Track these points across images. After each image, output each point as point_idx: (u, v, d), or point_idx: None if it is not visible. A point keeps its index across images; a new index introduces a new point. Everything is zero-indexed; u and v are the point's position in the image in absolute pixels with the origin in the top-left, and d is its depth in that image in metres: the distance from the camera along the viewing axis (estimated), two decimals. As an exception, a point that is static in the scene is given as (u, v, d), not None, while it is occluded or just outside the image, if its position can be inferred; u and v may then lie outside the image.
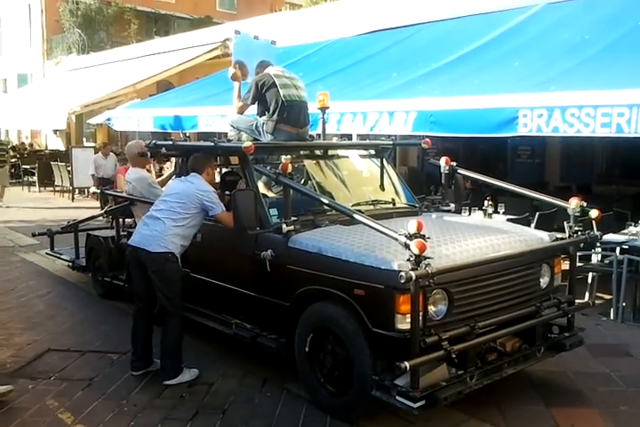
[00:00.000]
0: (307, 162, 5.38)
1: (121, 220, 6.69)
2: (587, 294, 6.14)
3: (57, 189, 17.10)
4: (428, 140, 5.71)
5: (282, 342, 4.36)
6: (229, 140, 5.61)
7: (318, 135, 6.20)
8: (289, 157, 4.54)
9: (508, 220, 6.57)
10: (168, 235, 4.53)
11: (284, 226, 4.26)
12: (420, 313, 3.45)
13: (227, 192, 5.23)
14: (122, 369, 4.79)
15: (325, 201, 4.36)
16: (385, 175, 5.56)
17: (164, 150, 5.54)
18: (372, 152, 5.73)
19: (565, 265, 4.70)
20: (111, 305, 6.51)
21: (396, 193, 5.58)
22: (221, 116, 9.05)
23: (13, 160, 20.76)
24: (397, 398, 3.54)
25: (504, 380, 4.03)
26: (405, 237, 3.42)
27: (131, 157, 6.14)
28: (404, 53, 10.02)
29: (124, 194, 6.36)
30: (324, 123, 6.06)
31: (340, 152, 5.63)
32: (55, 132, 23.11)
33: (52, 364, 4.96)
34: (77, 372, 4.80)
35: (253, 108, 5.60)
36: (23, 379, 4.64)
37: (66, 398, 4.33)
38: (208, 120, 10.02)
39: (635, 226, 6.41)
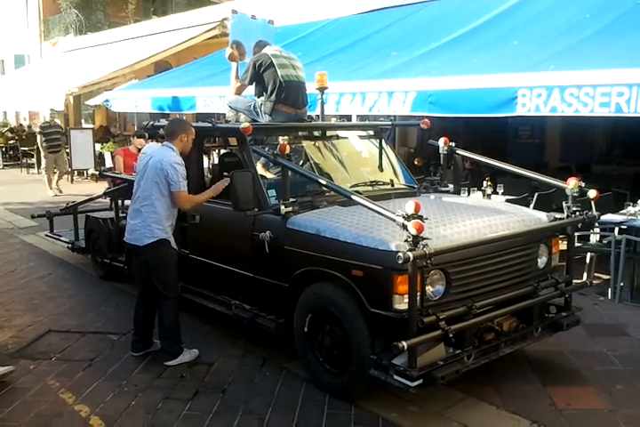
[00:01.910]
0: (305, 143, 5.35)
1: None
2: (585, 274, 6.17)
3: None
4: (427, 120, 5.68)
5: (281, 323, 4.39)
6: (227, 122, 5.59)
7: (317, 116, 6.16)
8: (287, 137, 4.53)
9: (507, 200, 6.57)
10: (152, 223, 4.47)
11: (283, 207, 4.26)
12: (418, 293, 3.46)
13: (225, 173, 5.22)
14: (122, 350, 4.83)
15: (323, 182, 4.35)
16: (383, 156, 5.54)
17: (161, 131, 5.51)
18: (371, 133, 5.71)
19: (563, 245, 4.71)
20: (111, 286, 6.54)
21: (395, 174, 5.56)
22: (220, 96, 9.00)
23: (12, 142, 20.71)
24: (395, 377, 3.57)
25: (501, 359, 4.06)
26: (403, 217, 3.42)
27: None
28: (403, 33, 9.93)
29: (122, 175, 6.37)
30: (322, 103, 6.01)
31: (339, 133, 5.60)
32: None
33: (52, 345, 5.00)
34: (78, 352, 4.84)
35: (251, 89, 5.57)
36: (24, 360, 4.68)
37: (67, 378, 4.37)
38: (206, 101, 9.97)
39: (633, 206, 6.40)
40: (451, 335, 3.60)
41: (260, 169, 5.05)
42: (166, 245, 4.55)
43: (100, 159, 15.81)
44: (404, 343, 3.33)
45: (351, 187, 4.73)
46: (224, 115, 6.00)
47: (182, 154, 4.61)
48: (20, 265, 7.56)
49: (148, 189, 4.49)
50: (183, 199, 4.52)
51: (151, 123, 5.70)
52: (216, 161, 5.96)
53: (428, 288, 3.66)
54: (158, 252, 4.53)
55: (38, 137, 14.02)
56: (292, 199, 4.33)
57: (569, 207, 4.45)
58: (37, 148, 17.83)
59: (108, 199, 6.87)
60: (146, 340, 4.79)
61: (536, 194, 6.91)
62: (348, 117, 8.52)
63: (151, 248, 4.50)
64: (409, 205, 3.43)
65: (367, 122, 7.37)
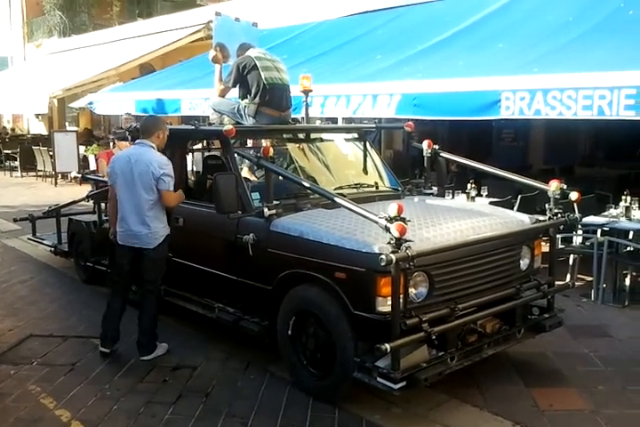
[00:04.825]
0: (289, 145, 5.35)
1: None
2: (568, 276, 6.21)
3: (39, 173, 16.93)
4: (410, 123, 5.69)
5: (264, 326, 4.37)
6: (211, 124, 5.57)
7: (302, 118, 6.16)
8: (270, 140, 4.52)
9: (491, 203, 6.61)
10: (157, 227, 4.60)
11: (266, 210, 4.25)
12: (401, 295, 3.46)
13: (208, 176, 5.21)
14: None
15: (307, 184, 4.34)
16: (368, 159, 5.54)
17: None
18: (356, 135, 5.71)
19: (546, 247, 4.74)
20: (94, 290, 6.48)
21: (379, 176, 5.56)
22: (205, 99, 8.94)
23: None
24: (379, 379, 3.57)
25: (484, 361, 4.08)
26: (386, 220, 3.42)
27: None
28: (388, 36, 9.96)
29: (105, 178, 6.32)
30: (307, 106, 6.01)
31: (323, 135, 5.60)
32: (37, 116, 22.81)
33: (33, 349, 4.94)
34: (59, 357, 4.79)
35: (235, 91, 5.55)
36: (5, 365, 4.63)
37: (48, 383, 4.32)
38: (191, 103, 9.95)
39: (615, 208, 6.45)
40: (434, 337, 3.60)
41: (245, 172, 5.03)
42: (168, 239, 4.71)
43: (84, 162, 15.71)
44: (387, 346, 3.33)
45: (335, 189, 4.73)
46: (209, 117, 5.97)
47: (158, 150, 4.67)
48: (1, 269, 7.48)
49: (146, 195, 4.51)
50: (171, 198, 4.63)
51: (134, 125, 5.67)
52: (200, 164, 5.92)
53: (411, 290, 3.66)
54: (163, 247, 4.67)
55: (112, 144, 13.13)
56: (275, 202, 4.32)
57: (551, 209, 4.48)
58: (20, 151, 17.77)
59: (91, 202, 6.83)
60: (117, 337, 4.81)
61: (519, 196, 6.95)
62: (334, 120, 8.54)
63: (158, 245, 4.62)
64: (392, 208, 3.43)
65: (352, 124, 7.38)
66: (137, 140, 4.71)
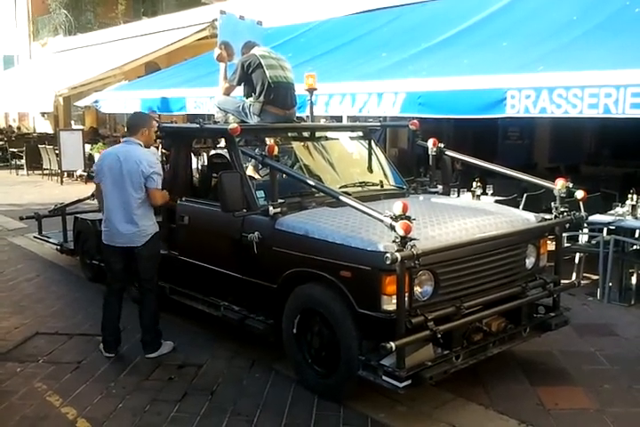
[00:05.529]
0: (294, 144, 5.35)
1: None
2: (574, 275, 6.20)
3: (45, 172, 16.95)
4: (415, 121, 5.68)
5: (270, 324, 4.38)
6: (216, 122, 5.58)
7: (307, 117, 6.16)
8: (275, 138, 4.52)
9: (496, 201, 6.59)
10: (145, 225, 4.59)
11: (271, 208, 4.25)
12: (406, 294, 3.47)
13: (214, 174, 5.22)
14: (110, 352, 4.79)
15: (311, 183, 4.34)
16: (373, 157, 5.54)
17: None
18: (360, 134, 5.71)
19: (552, 246, 4.73)
20: (99, 288, 6.42)
21: (384, 175, 5.56)
22: (210, 97, 8.96)
23: (1, 143, 20.59)
24: (384, 377, 3.57)
25: (490, 359, 4.08)
26: (391, 218, 3.42)
27: None
28: (393, 34, 9.95)
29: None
30: (311, 104, 6.01)
31: (328, 134, 5.60)
32: (43, 114, 22.87)
33: (40, 347, 4.96)
34: (66, 355, 4.80)
35: (240, 90, 5.55)
36: (11, 362, 4.65)
37: (54, 380, 4.34)
38: (196, 102, 9.95)
39: (621, 206, 6.43)
40: (439, 336, 3.60)
41: (251, 170, 5.04)
42: (158, 236, 4.71)
43: (89, 160, 15.72)
44: (393, 344, 3.33)
45: (340, 188, 4.73)
46: (214, 116, 5.98)
47: (146, 147, 4.69)
48: (7, 267, 7.50)
49: (135, 194, 4.51)
50: (159, 196, 4.64)
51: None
52: (205, 162, 5.93)
53: (417, 289, 3.66)
54: (153, 244, 4.67)
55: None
56: (280, 200, 4.32)
57: (557, 208, 4.47)
58: (26, 149, 17.82)
59: (96, 201, 6.83)
60: (119, 339, 4.82)
61: (525, 195, 6.93)
62: (339, 118, 8.54)
63: (147, 243, 4.61)
64: (397, 206, 3.43)
65: (356, 123, 7.37)
66: (124, 138, 4.72)
